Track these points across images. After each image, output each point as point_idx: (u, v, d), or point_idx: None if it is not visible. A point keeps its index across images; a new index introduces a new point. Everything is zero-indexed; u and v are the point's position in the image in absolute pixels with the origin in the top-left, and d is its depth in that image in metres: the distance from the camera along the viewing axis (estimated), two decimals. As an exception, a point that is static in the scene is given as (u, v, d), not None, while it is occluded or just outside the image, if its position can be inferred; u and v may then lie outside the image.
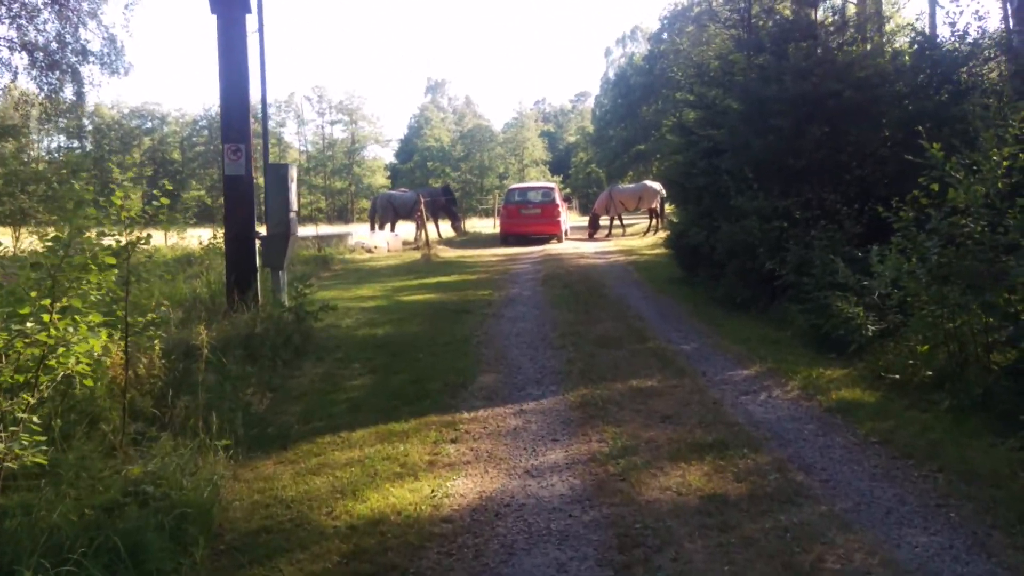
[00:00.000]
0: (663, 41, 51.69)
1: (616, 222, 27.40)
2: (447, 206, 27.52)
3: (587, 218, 29.05)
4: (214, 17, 9.08)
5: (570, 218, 29.02)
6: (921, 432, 5.18)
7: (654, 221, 25.76)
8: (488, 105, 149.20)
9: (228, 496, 4.46)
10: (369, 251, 21.44)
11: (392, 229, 25.75)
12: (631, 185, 29.20)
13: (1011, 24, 11.94)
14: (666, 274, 13.69)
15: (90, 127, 70.18)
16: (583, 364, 7.48)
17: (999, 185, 6.08)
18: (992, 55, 10.16)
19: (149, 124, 74.63)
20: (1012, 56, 10.22)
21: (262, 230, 9.53)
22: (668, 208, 23.85)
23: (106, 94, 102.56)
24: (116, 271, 4.77)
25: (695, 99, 14.83)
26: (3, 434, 3.52)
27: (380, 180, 73.39)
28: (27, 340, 3.78)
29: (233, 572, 3.65)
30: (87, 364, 4.07)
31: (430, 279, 14.98)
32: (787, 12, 15.96)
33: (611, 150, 55.72)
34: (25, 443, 3.40)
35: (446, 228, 27.92)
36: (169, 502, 3.82)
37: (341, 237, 23.06)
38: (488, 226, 33.81)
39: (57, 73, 19.41)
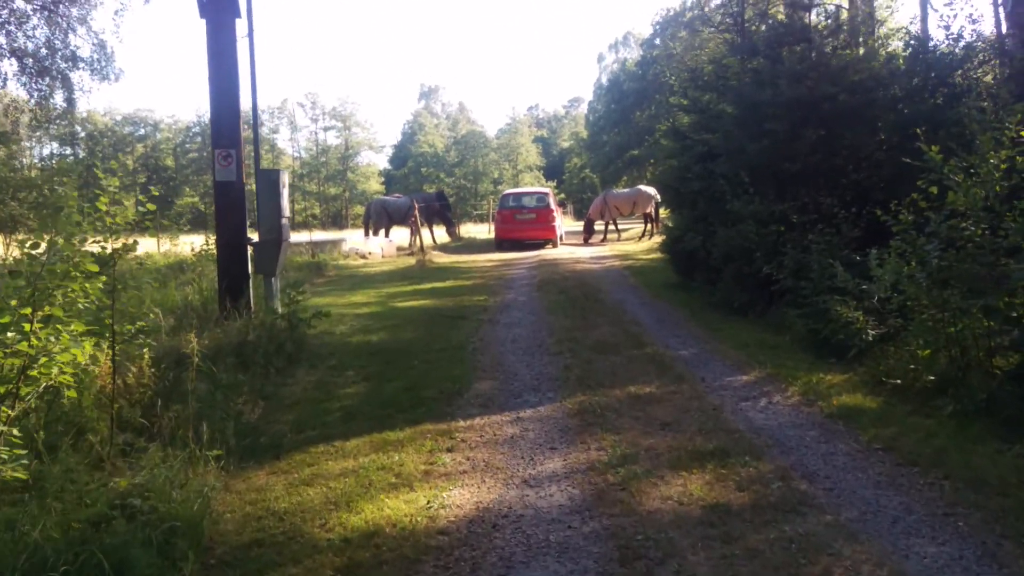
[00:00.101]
0: (656, 47, 51.84)
1: (611, 227, 27.35)
2: (441, 211, 27.46)
3: (582, 223, 28.99)
4: (203, 22, 8.98)
5: (565, 223, 28.97)
6: (925, 438, 5.10)
7: (649, 226, 25.74)
8: (482, 111, 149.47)
9: (219, 508, 4.35)
10: (363, 257, 21.33)
11: (387, 235, 25.65)
12: (626, 190, 29.17)
13: (1005, 27, 11.92)
14: (662, 279, 13.62)
15: (83, 134, 69.98)
16: (580, 370, 7.39)
17: (997, 188, 6.02)
18: (987, 58, 10.13)
19: (142, 131, 74.41)
20: (1006, 59, 10.19)
21: (254, 236, 9.42)
22: (663, 213, 23.80)
23: (97, 100, 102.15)
24: (104, 278, 4.68)
25: (689, 103, 14.79)
26: (-17, 448, 3.41)
27: (374, 186, 73.32)
28: (7, 350, 3.66)
29: (223, 588, 3.55)
30: (70, 374, 3.95)
31: (425, 285, 14.88)
32: (780, 16, 15.94)
33: (605, 155, 55.75)
34: (4, 457, 3.29)
35: (441, 233, 27.84)
36: (157, 515, 3.72)
37: (335, 243, 22.94)
38: (483, 231, 33.74)
39: (47, 79, 19.34)
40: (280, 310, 8.65)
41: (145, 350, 5.52)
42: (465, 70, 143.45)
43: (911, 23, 13.83)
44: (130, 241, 4.66)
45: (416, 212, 22.88)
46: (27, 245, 3.92)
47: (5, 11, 18.46)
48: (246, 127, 10.22)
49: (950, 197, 6.13)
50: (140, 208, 5.00)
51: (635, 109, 52.90)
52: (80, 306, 4.66)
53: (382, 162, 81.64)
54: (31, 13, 18.99)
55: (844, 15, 16.93)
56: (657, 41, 51.95)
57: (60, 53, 19.47)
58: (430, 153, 75.56)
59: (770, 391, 6.57)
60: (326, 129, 77.73)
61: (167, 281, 11.44)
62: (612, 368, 7.46)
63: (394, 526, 4.10)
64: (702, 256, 11.20)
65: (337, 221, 67.31)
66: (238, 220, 9.13)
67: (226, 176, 9.01)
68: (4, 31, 18.71)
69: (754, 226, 9.60)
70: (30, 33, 19.33)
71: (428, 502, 4.41)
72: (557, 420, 5.94)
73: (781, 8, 17.45)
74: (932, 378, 6.12)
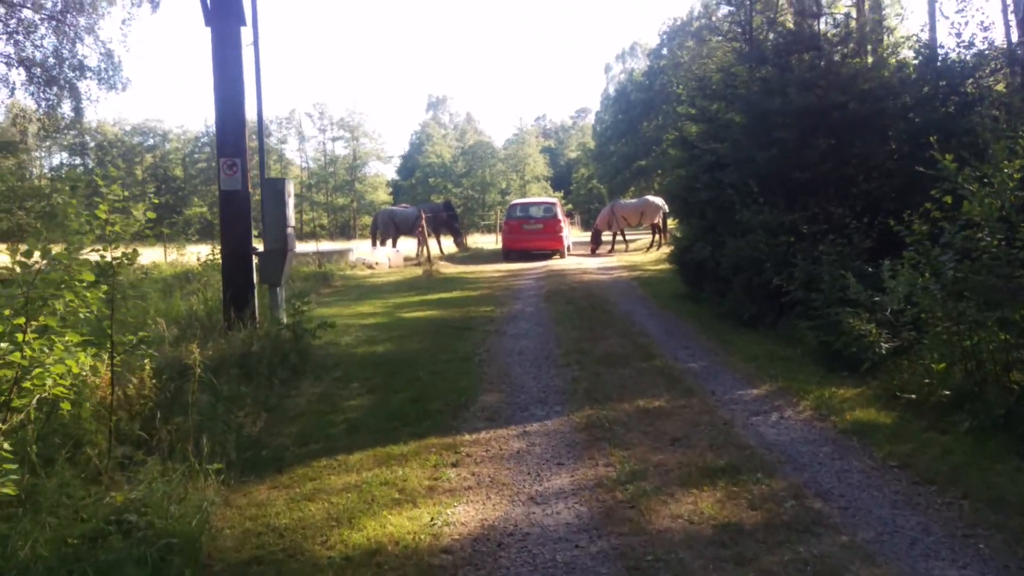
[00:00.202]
0: (663, 57, 51.90)
1: (619, 237, 27.24)
2: (449, 222, 27.40)
3: (589, 234, 28.89)
4: (208, 30, 8.95)
5: (572, 234, 28.86)
6: (942, 455, 4.97)
7: (657, 236, 25.61)
8: (489, 121, 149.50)
9: (218, 523, 4.26)
10: (370, 267, 21.27)
11: (394, 245, 25.61)
12: (633, 200, 29.05)
13: (1016, 35, 11.83)
14: (671, 290, 13.49)
15: (92, 144, 70.37)
16: (588, 383, 7.28)
17: (1011, 198, 5.90)
18: (998, 66, 10.01)
19: (151, 141, 74.73)
20: (1018, 67, 10.08)
21: (259, 246, 9.36)
22: (671, 223, 23.69)
23: (106, 110, 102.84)
24: (104, 288, 4.60)
25: (697, 113, 14.69)
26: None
27: (382, 196, 73.45)
28: (0, 361, 3.58)
29: (221, 608, 3.45)
30: (65, 386, 3.86)
31: (431, 295, 14.79)
32: (789, 24, 15.86)
33: (612, 166, 55.71)
34: (-6, 472, 3.20)
35: (448, 244, 27.78)
36: (154, 531, 3.63)
37: (342, 253, 22.89)
38: (490, 242, 33.66)
39: (55, 89, 19.38)
40: (285, 320, 8.57)
41: (146, 361, 5.44)
42: (472, 81, 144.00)
43: (921, 30, 13.74)
44: (130, 250, 4.57)
45: (423, 222, 22.82)
46: (20, 253, 3.83)
47: (13, 21, 18.55)
48: (253, 137, 10.18)
49: (965, 207, 6.01)
50: (138, 216, 4.90)
51: (642, 119, 52.87)
52: (83, 314, 4.59)
53: (390, 172, 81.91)
54: (39, 22, 19.09)
55: (853, 24, 16.85)
56: (664, 51, 52.01)
57: (68, 62, 19.55)
58: (438, 163, 75.67)
59: (781, 405, 6.45)
60: (334, 139, 78.00)
61: (172, 291, 11.39)
62: (620, 381, 7.34)
63: (396, 544, 3.99)
64: (711, 267, 11.08)
65: (345, 231, 67.44)
66: (243, 229, 9.07)
67: (231, 185, 8.96)
68: (12, 41, 18.81)
69: (764, 236, 9.48)
70: (38, 42, 19.43)
71: (432, 519, 4.31)
72: (564, 434, 5.83)
73: (789, 16, 17.38)
74: (947, 393, 5.98)
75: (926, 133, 8.31)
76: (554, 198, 33.77)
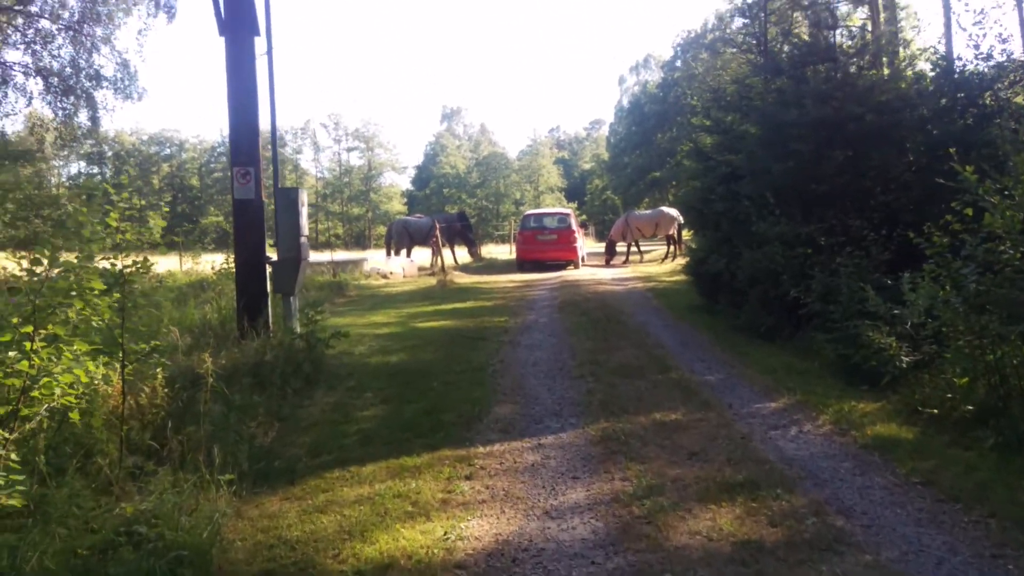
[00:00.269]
0: (676, 69, 51.89)
1: (633, 248, 27.15)
2: (463, 232, 27.40)
3: (603, 244, 28.81)
4: (223, 40, 8.98)
5: (586, 244, 28.79)
6: (966, 472, 4.86)
7: (672, 247, 25.51)
8: (503, 133, 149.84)
9: (230, 535, 4.21)
10: (384, 277, 21.27)
11: (408, 255, 25.61)
12: (648, 211, 28.97)
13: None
14: (686, 301, 13.39)
15: (110, 153, 70.98)
16: (603, 395, 7.20)
17: (1032, 211, 5.79)
18: (1017, 78, 9.90)
19: (168, 150, 75.33)
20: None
21: (273, 255, 9.34)
22: (685, 234, 23.59)
23: (121, 119, 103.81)
24: (116, 295, 4.57)
25: (712, 124, 14.63)
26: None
27: (397, 206, 73.72)
28: (7, 370, 3.54)
29: (231, 622, 3.39)
30: (73, 395, 3.82)
31: (445, 305, 14.75)
32: (804, 36, 15.77)
33: (626, 177, 55.66)
34: (1, 483, 3.15)
35: (462, 254, 27.78)
36: (164, 543, 3.58)
37: (356, 263, 22.92)
38: (504, 252, 33.64)
39: (72, 98, 19.56)
40: (298, 330, 8.54)
41: (159, 370, 5.41)
42: (487, 92, 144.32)
43: (940, 41, 13.64)
44: (141, 259, 4.54)
45: (438, 232, 22.81)
46: (27, 261, 3.79)
47: (31, 31, 18.75)
48: (268, 147, 10.19)
49: (987, 219, 5.90)
50: (150, 226, 4.87)
51: (656, 131, 52.85)
52: (95, 323, 4.56)
53: (404, 183, 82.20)
54: (56, 32, 19.29)
55: (868, 36, 16.76)
56: (678, 63, 52.00)
57: (84, 72, 19.74)
58: (452, 174, 75.89)
59: (800, 419, 6.35)
60: (349, 150, 78.42)
61: (187, 299, 11.40)
62: (636, 393, 7.26)
63: (409, 558, 3.93)
64: (727, 278, 10.99)
65: (360, 241, 67.66)
66: (257, 238, 9.06)
67: (245, 194, 8.96)
68: (30, 51, 19.02)
69: (780, 248, 9.39)
70: (55, 52, 19.64)
71: (445, 533, 4.24)
72: (579, 447, 5.75)
73: (804, 28, 17.31)
74: (970, 408, 5.86)
75: (944, 145, 8.23)
76: (568, 209, 33.72)
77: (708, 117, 15.52)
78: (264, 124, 9.38)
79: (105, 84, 20.37)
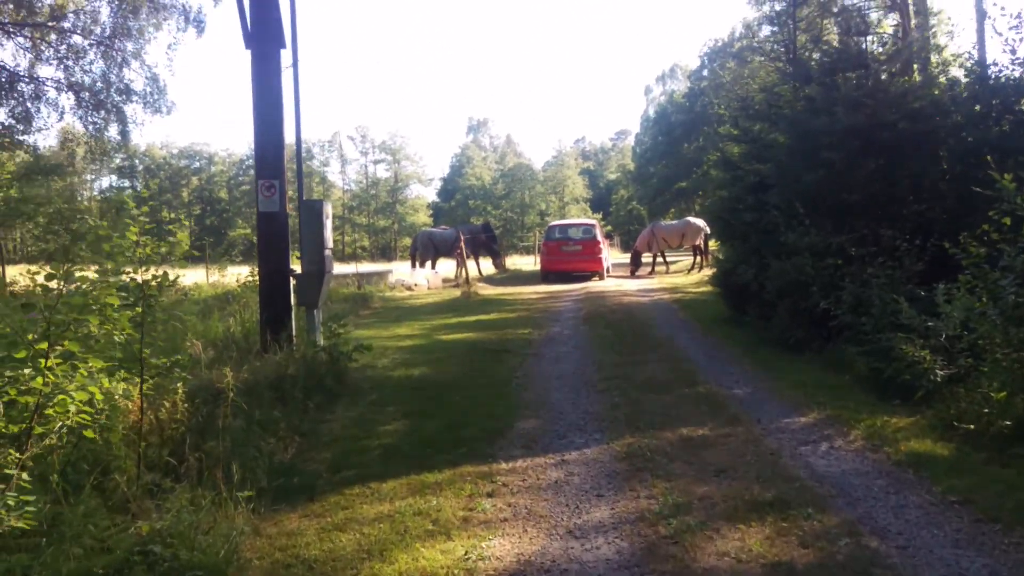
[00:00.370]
0: (703, 78, 51.74)
1: (659, 259, 26.95)
2: (488, 243, 27.37)
3: (629, 255, 28.62)
4: (248, 53, 9.01)
5: (612, 255, 28.62)
6: (1006, 491, 4.67)
7: (698, 258, 25.28)
8: (529, 144, 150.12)
9: (247, 554, 4.14)
10: (409, 288, 21.27)
11: (433, 266, 25.62)
12: (674, 222, 28.75)
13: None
14: (713, 313, 13.21)
15: (141, 167, 72.07)
16: (629, 409, 7.07)
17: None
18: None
19: (197, 164, 76.32)
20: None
21: (298, 267, 9.33)
22: (712, 245, 23.35)
23: (151, 133, 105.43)
24: (138, 309, 4.54)
25: (739, 133, 14.44)
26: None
27: (422, 218, 74.03)
28: (21, 387, 3.49)
29: (245, 645, 3.32)
30: (88, 413, 3.76)
31: (469, 317, 14.68)
32: (834, 43, 15.57)
33: (652, 187, 55.51)
34: (11, 504, 3.10)
35: (487, 265, 27.74)
36: (180, 563, 3.51)
37: (382, 275, 22.95)
38: (529, 263, 33.55)
39: (102, 112, 19.83)
40: (321, 343, 8.51)
41: (179, 384, 5.37)
42: (513, 104, 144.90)
43: (975, 47, 13.39)
44: (161, 273, 4.51)
45: (462, 244, 22.78)
46: (42, 276, 3.75)
47: (64, 46, 19.05)
48: (296, 160, 10.20)
49: (1026, 229, 5.73)
50: (170, 239, 4.84)
51: (683, 141, 52.70)
52: (117, 338, 4.53)
53: (430, 195, 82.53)
54: (88, 48, 19.58)
55: (900, 43, 16.52)
56: (705, 72, 51.84)
57: (115, 87, 20.04)
58: (478, 186, 76.08)
59: (831, 435, 6.17)
60: (376, 162, 78.92)
61: (212, 312, 11.42)
62: (662, 407, 7.12)
63: (429, 579, 3.83)
64: (755, 290, 10.80)
65: (386, 253, 67.97)
66: (281, 251, 9.06)
67: (269, 207, 8.96)
68: (63, 66, 19.32)
69: (810, 259, 9.21)
70: (87, 67, 19.96)
71: (466, 552, 4.14)
72: (604, 464, 5.63)
73: (834, 35, 17.10)
74: (1008, 423, 5.64)
75: (979, 153, 8.04)
76: (593, 220, 33.55)
77: (736, 126, 15.35)
78: (289, 137, 9.39)
79: (135, 98, 20.68)
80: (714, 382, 8.14)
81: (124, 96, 20.17)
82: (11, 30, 19.66)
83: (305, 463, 5.78)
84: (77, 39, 20.16)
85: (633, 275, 25.17)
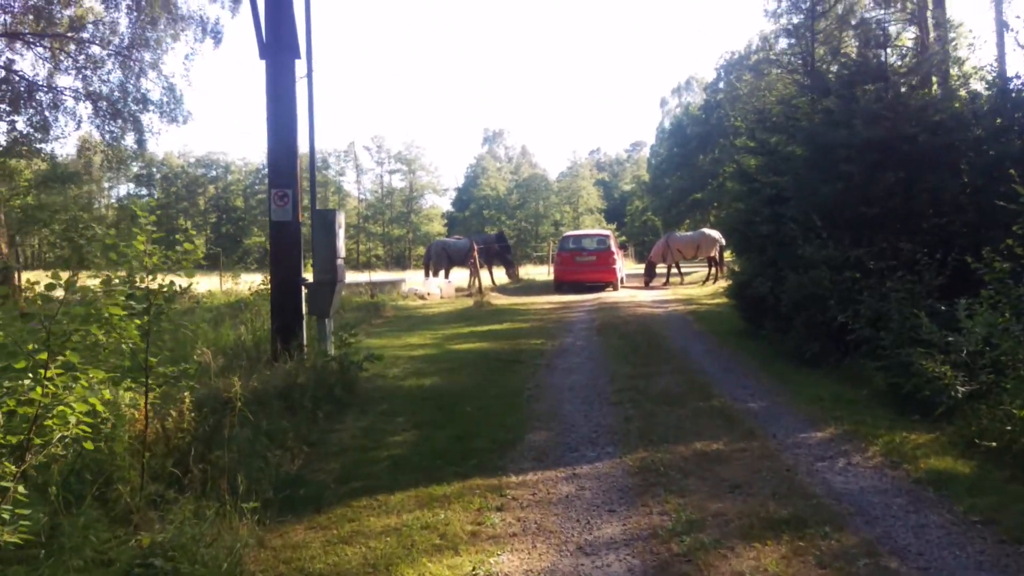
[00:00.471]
0: (719, 90, 51.68)
1: (674, 270, 26.80)
2: (501, 253, 27.32)
3: (643, 266, 28.48)
4: (263, 63, 9.01)
5: (626, 266, 28.48)
6: (1030, 511, 4.54)
7: (713, 270, 25.11)
8: (544, 155, 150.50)
9: (251, 567, 4.07)
10: (422, 298, 21.24)
11: (446, 276, 25.59)
12: (689, 233, 28.60)
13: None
14: (728, 325, 13.07)
15: (159, 176, 72.66)
16: (642, 423, 6.96)
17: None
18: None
19: (214, 172, 76.82)
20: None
21: (310, 276, 9.29)
22: (727, 256, 23.18)
23: (167, 142, 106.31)
24: (145, 318, 4.49)
25: (756, 145, 14.36)
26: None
27: (437, 228, 74.12)
28: (20, 398, 3.43)
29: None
30: (88, 424, 3.70)
31: (482, 327, 14.60)
32: (852, 52, 15.46)
33: (667, 198, 55.37)
34: (5, 518, 3.03)
35: (500, 275, 27.69)
36: (180, 577, 3.43)
37: (395, 284, 22.94)
38: (542, 273, 33.45)
39: (119, 121, 19.94)
40: (332, 352, 8.45)
41: (186, 393, 5.31)
42: (528, 115, 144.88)
43: (994, 61, 13.24)
44: (168, 281, 4.45)
45: (476, 254, 22.74)
46: (42, 286, 3.69)
47: (82, 56, 19.19)
48: (309, 169, 10.18)
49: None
50: (178, 248, 4.78)
51: (698, 153, 52.59)
52: (126, 347, 4.49)
53: (445, 204, 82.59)
54: (106, 58, 19.71)
55: (919, 57, 16.35)
56: (721, 84, 51.75)
57: (132, 96, 20.17)
58: (492, 196, 76.12)
59: (849, 451, 6.04)
60: (391, 172, 79.10)
61: (223, 320, 11.40)
62: (676, 421, 7.01)
63: (435, 596, 3.74)
64: (771, 302, 10.67)
65: (400, 262, 68.07)
66: (293, 260, 9.03)
67: (282, 216, 8.93)
68: (81, 76, 19.46)
69: (827, 272, 9.08)
70: (105, 77, 20.11)
71: (473, 568, 4.05)
72: (616, 478, 5.52)
73: (853, 47, 16.97)
74: (1032, 441, 5.53)
75: (1001, 166, 7.91)
76: (607, 230, 33.44)
77: (752, 138, 15.25)
78: (303, 146, 9.37)
79: (152, 108, 20.80)
80: (729, 395, 8.02)
81: (141, 105, 20.32)
82: (31, 40, 19.84)
83: (313, 474, 5.71)
84: (96, 49, 20.33)
85: (647, 286, 25.02)
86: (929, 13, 20.19)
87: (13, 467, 3.30)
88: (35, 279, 4.48)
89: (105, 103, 19.90)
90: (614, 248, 24.25)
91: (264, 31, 9.04)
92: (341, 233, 9.40)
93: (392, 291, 21.45)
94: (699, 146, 52.43)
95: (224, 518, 4.27)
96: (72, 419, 3.56)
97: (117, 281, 4.42)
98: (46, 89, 20.20)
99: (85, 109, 20.79)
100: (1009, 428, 5.75)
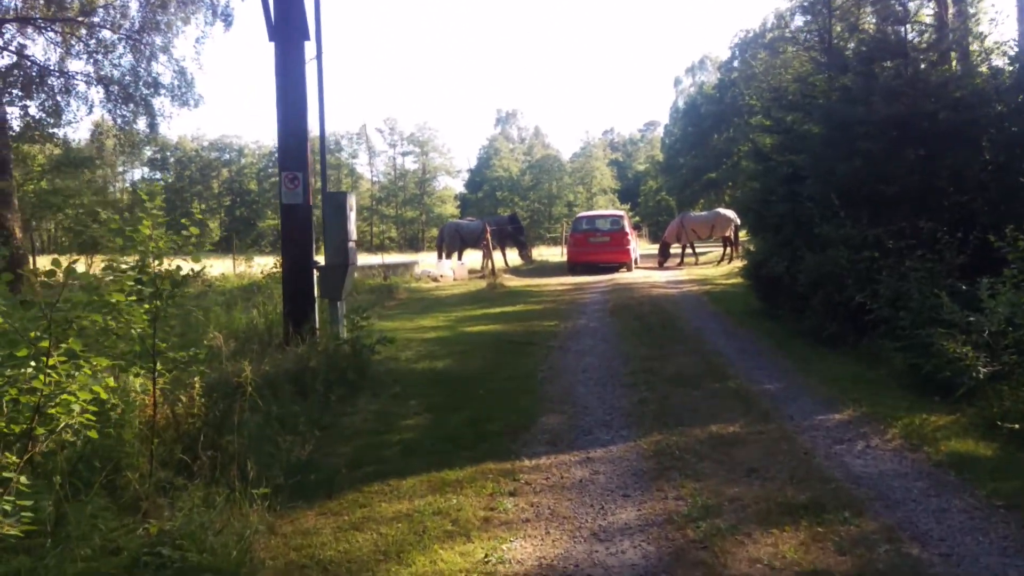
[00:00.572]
0: (734, 69, 51.26)
1: (688, 250, 26.61)
2: (514, 235, 27.20)
3: (657, 246, 28.29)
4: (272, 45, 8.93)
5: (639, 246, 28.30)
6: (1055, 496, 4.43)
7: (728, 250, 24.91)
8: (557, 135, 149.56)
9: (261, 554, 4.02)
10: (435, 280, 21.19)
11: (459, 258, 25.51)
12: (704, 213, 28.37)
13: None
14: (744, 305, 12.93)
15: (172, 159, 72.90)
16: (657, 405, 6.87)
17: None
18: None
19: (227, 156, 76.94)
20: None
21: (321, 259, 9.24)
22: (742, 236, 22.97)
23: (179, 126, 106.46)
24: (156, 303, 4.44)
25: (772, 124, 14.16)
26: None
27: (450, 210, 74.04)
28: (23, 387, 3.38)
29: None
30: (92, 413, 3.64)
31: (495, 309, 14.53)
32: (871, 28, 15.18)
33: (681, 178, 55.05)
34: (7, 508, 2.99)
35: (513, 257, 27.59)
36: (188, 566, 3.39)
37: (408, 266, 22.89)
38: (556, 254, 33.30)
39: (131, 105, 19.92)
40: (344, 335, 8.40)
41: (196, 378, 5.27)
42: (541, 95, 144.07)
43: (1017, 35, 12.94)
44: (174, 267, 4.39)
45: (488, 235, 22.64)
46: (43, 272, 3.63)
47: (93, 41, 19.16)
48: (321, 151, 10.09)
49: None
50: (183, 232, 4.71)
51: (712, 132, 52.22)
52: (135, 332, 4.44)
53: (458, 186, 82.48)
54: (117, 42, 19.66)
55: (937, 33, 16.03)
56: (735, 63, 51.30)
57: (143, 80, 20.13)
58: (505, 177, 75.90)
59: (867, 433, 5.94)
60: (404, 154, 79.01)
61: (236, 303, 11.38)
62: (691, 403, 6.92)
63: (447, 583, 3.69)
64: (787, 282, 10.53)
65: (413, 244, 68.12)
66: (304, 243, 8.98)
67: (292, 199, 8.87)
68: (92, 60, 19.44)
69: (845, 251, 8.93)
70: (116, 61, 20.07)
71: (486, 555, 3.99)
72: (631, 462, 5.44)
73: (871, 23, 16.66)
74: (1056, 424, 5.41)
75: (1023, 143, 7.72)
76: (621, 211, 33.24)
77: (768, 117, 15.05)
78: (314, 129, 9.30)
79: (163, 92, 20.76)
80: (745, 377, 7.92)
81: (152, 89, 20.27)
82: (42, 25, 19.79)
83: (324, 458, 5.66)
84: (106, 33, 20.26)
85: (661, 266, 24.86)
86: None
87: (15, 458, 3.25)
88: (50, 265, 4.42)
89: (117, 87, 19.88)
90: (628, 229, 24.07)
91: (273, 13, 8.96)
92: (352, 215, 9.34)
93: (405, 273, 21.40)
94: (713, 125, 52.01)
95: (234, 504, 4.23)
96: (76, 407, 3.51)
97: (124, 266, 4.37)
98: (58, 74, 20.19)
99: (97, 93, 20.79)
100: (1032, 410, 5.64)
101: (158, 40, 20.12)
